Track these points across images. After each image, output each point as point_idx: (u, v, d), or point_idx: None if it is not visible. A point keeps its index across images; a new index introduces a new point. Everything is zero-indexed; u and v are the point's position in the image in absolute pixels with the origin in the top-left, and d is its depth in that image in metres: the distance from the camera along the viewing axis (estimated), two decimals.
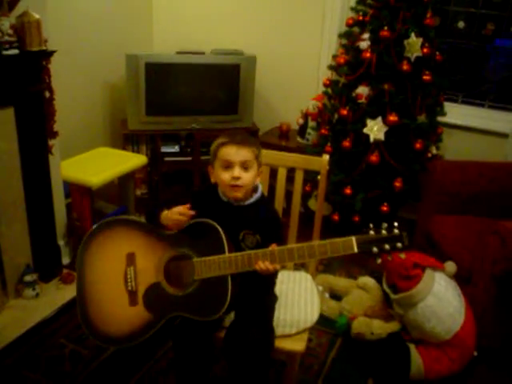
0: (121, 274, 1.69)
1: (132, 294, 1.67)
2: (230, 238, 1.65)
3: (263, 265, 1.57)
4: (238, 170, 1.67)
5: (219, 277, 1.61)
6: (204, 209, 1.72)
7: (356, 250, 1.52)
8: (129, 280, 1.68)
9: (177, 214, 1.66)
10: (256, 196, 1.78)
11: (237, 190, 1.69)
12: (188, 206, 1.67)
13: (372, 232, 1.53)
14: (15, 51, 2.22)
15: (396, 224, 1.54)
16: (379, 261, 1.53)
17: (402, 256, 1.53)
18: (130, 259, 1.70)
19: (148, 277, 1.68)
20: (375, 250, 1.51)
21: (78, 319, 1.72)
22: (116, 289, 1.69)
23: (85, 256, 1.73)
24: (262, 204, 1.80)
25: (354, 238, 1.53)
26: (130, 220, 1.77)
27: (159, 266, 1.68)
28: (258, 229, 1.73)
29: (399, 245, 1.51)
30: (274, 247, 1.59)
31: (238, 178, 1.67)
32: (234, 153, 1.68)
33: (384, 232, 1.53)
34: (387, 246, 1.51)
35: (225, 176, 1.69)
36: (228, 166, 1.68)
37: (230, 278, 1.61)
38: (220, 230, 1.63)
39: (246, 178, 1.69)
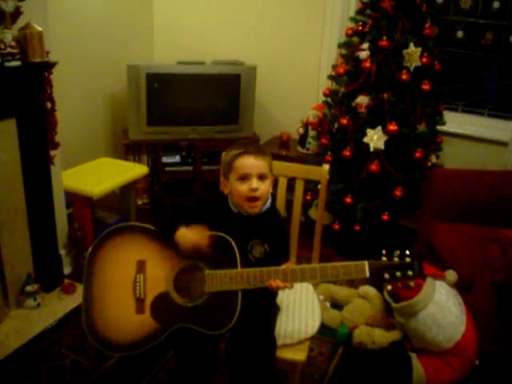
0: (130, 280, 1.68)
1: (139, 302, 1.66)
2: (238, 247, 1.66)
3: (275, 283, 1.59)
4: (256, 182, 1.68)
5: (229, 291, 1.61)
6: (212, 218, 1.72)
7: (368, 274, 1.54)
8: (137, 287, 1.67)
9: (196, 234, 1.63)
10: (266, 206, 1.79)
11: (255, 204, 1.70)
12: (206, 228, 1.64)
13: (384, 258, 1.55)
14: (17, 63, 2.24)
15: (408, 252, 1.54)
16: (389, 287, 1.54)
17: (412, 284, 1.55)
18: (141, 266, 1.69)
19: (157, 285, 1.67)
20: (387, 276, 1.53)
21: (82, 322, 1.68)
22: (124, 295, 1.67)
23: (94, 260, 1.71)
24: (272, 214, 1.81)
25: (366, 263, 1.55)
26: (142, 227, 1.75)
27: (169, 275, 1.67)
28: (266, 238, 1.75)
29: (410, 273, 1.53)
30: (288, 266, 1.62)
31: (256, 190, 1.68)
32: (252, 164, 1.68)
33: (396, 259, 1.54)
34: (398, 274, 1.53)
35: (242, 188, 1.69)
36: (245, 177, 1.69)
37: (240, 294, 1.61)
38: (234, 245, 1.64)
39: (263, 188, 1.70)
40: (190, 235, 1.64)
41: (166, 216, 1.74)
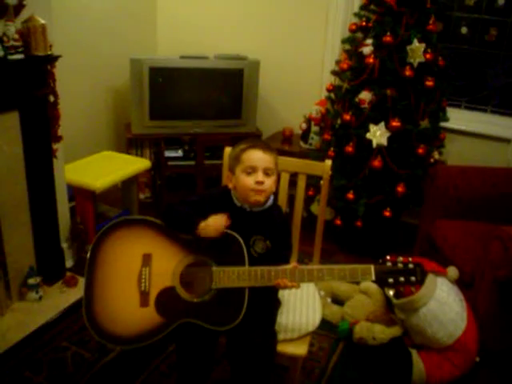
0: (135, 273, 1.68)
1: (144, 295, 1.66)
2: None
3: (282, 282, 1.62)
4: (262, 175, 1.71)
5: (236, 288, 1.62)
6: (216, 212, 1.73)
7: (374, 278, 1.60)
8: (143, 280, 1.67)
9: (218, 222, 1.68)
10: (269, 203, 1.80)
11: (260, 193, 1.72)
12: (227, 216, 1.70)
13: (389, 263, 1.60)
14: (21, 56, 2.23)
15: (411, 259, 1.61)
16: (391, 292, 1.60)
17: (414, 290, 1.61)
18: (146, 260, 1.69)
19: (163, 280, 1.67)
20: (391, 280, 1.59)
21: (82, 313, 1.66)
22: (128, 288, 1.67)
23: (98, 251, 1.71)
24: (274, 211, 1.83)
25: (372, 267, 1.60)
26: (149, 221, 1.75)
27: (176, 270, 1.68)
28: (268, 234, 1.76)
29: (413, 278, 1.59)
30: (295, 266, 1.64)
31: (261, 183, 1.70)
32: (259, 158, 1.72)
33: (400, 265, 1.60)
34: (402, 279, 1.59)
35: (248, 181, 1.71)
36: (251, 171, 1.71)
37: (247, 291, 1.62)
38: (242, 242, 1.66)
39: (268, 183, 1.73)
40: (211, 222, 1.67)
41: (182, 213, 1.74)
